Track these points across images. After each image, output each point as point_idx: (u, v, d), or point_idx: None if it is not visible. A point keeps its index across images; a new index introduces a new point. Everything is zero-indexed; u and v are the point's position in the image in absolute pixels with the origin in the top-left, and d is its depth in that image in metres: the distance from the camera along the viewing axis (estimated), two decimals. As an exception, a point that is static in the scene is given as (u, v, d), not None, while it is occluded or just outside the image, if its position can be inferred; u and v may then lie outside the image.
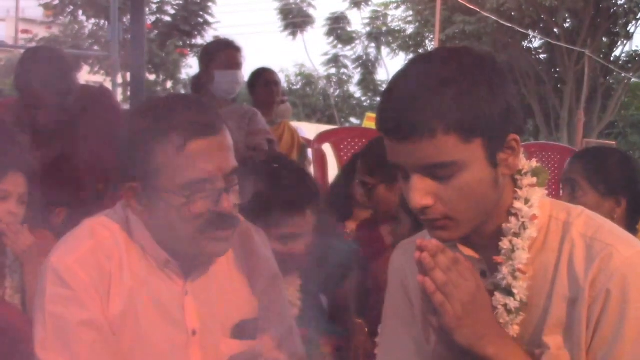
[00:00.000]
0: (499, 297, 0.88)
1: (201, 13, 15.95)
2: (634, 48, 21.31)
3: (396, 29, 20.32)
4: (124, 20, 8.23)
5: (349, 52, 21.79)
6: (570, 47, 15.74)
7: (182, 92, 12.34)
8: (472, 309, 0.82)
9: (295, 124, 4.20)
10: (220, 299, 1.10)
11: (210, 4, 15.97)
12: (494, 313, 0.87)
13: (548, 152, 3.55)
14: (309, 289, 1.52)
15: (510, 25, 15.37)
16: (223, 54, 2.49)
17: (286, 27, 20.58)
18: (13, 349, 1.24)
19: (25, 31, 17.99)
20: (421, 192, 0.83)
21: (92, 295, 1.00)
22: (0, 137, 1.60)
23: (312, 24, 20.73)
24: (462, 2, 15.82)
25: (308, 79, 21.98)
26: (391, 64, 21.88)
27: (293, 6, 20.47)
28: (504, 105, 0.83)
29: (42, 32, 16.31)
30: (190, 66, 16.26)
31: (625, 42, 16.96)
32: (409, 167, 0.84)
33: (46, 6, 15.03)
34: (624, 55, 17.25)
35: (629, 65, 16.98)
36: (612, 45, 17.05)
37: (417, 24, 19.07)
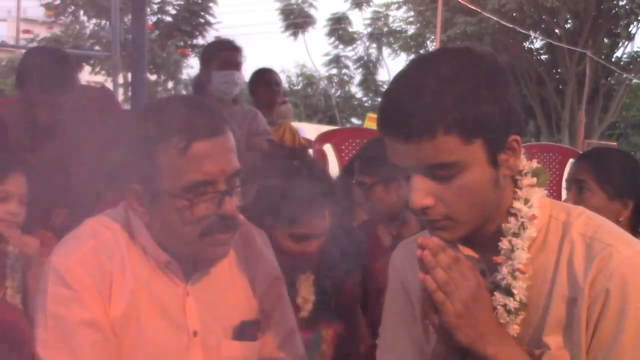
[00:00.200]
0: (498, 297, 0.88)
1: (202, 13, 15.94)
2: (635, 49, 21.33)
3: (397, 29, 20.36)
4: (125, 20, 8.24)
5: (350, 53, 21.85)
6: (572, 48, 15.73)
7: (184, 92, 12.36)
8: (473, 307, 0.82)
9: (296, 124, 4.20)
10: (222, 301, 1.10)
11: (211, 4, 15.97)
12: (494, 312, 0.88)
13: (549, 153, 3.55)
14: (320, 284, 1.50)
15: (511, 26, 15.35)
16: (220, 54, 2.49)
17: (287, 27, 20.58)
18: (14, 349, 1.25)
19: (26, 31, 18.00)
20: (422, 193, 0.84)
21: (93, 295, 1.00)
22: (1, 138, 1.60)
23: (313, 24, 20.73)
24: (463, 2, 15.81)
25: (309, 80, 21.97)
26: (392, 65, 21.92)
27: (294, 6, 20.47)
28: (505, 105, 0.83)
29: (43, 32, 16.31)
30: (192, 66, 16.27)
31: (626, 43, 16.99)
32: (410, 167, 0.84)
33: (47, 6, 15.03)
34: (625, 56, 17.30)
35: (630, 66, 16.96)
36: (614, 46, 17.05)
37: (418, 25, 19.08)
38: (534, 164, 0.91)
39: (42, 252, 1.44)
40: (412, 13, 19.20)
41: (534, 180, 0.90)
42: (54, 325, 0.98)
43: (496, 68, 0.85)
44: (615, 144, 13.53)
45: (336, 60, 21.95)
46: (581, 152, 2.14)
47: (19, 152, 1.59)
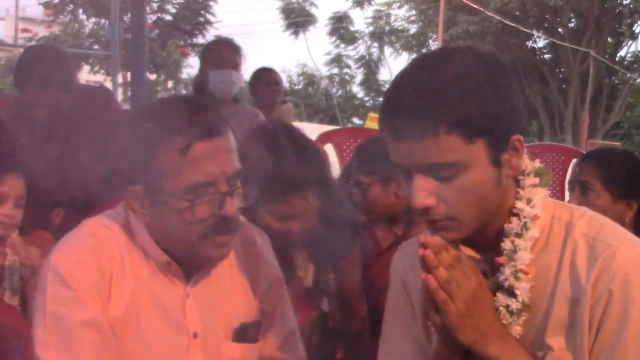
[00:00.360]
0: (501, 297, 0.87)
1: (202, 12, 15.88)
2: (639, 48, 21.23)
3: (399, 28, 20.31)
4: (125, 19, 8.13)
5: (351, 52, 21.78)
6: (575, 47, 15.66)
7: (184, 92, 12.31)
8: (475, 307, 0.81)
9: (297, 124, 4.16)
10: (222, 302, 1.09)
11: (211, 2, 15.91)
12: (496, 313, 0.86)
13: (552, 153, 3.53)
14: (319, 270, 1.48)
15: (514, 25, 15.29)
16: (218, 53, 2.48)
17: (288, 26, 20.51)
18: (12, 350, 1.23)
19: (25, 30, 17.93)
20: (424, 192, 0.83)
21: (93, 295, 0.99)
22: None
23: (314, 23, 20.66)
24: (465, 1, 15.72)
25: (310, 79, 21.90)
26: (394, 64, 21.82)
27: (295, 5, 20.40)
28: (508, 105, 0.82)
29: (42, 31, 16.24)
30: (192, 66, 16.21)
31: (630, 42, 16.96)
32: (412, 167, 0.83)
33: (46, 5, 14.96)
34: (629, 55, 17.22)
35: (634, 66, 16.88)
36: (617, 46, 16.97)
37: (420, 24, 19.03)
38: (537, 164, 0.90)
39: (41, 253, 1.43)
40: (414, 12, 19.16)
41: (537, 180, 0.89)
42: (53, 326, 0.97)
43: (499, 67, 0.84)
44: (619, 144, 13.45)
45: (337, 60, 21.88)
46: (584, 153, 2.10)
47: (16, 152, 1.56)
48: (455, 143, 0.80)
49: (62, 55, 1.97)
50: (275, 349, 1.15)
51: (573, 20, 16.52)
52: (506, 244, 0.87)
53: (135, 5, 3.21)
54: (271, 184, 1.30)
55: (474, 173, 0.82)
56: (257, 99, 2.94)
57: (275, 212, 1.36)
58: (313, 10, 20.40)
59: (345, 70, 21.98)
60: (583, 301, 0.84)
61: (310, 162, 1.41)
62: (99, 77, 13.35)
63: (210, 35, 15.22)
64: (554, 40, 16.19)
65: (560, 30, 16.24)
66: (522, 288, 0.86)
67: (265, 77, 2.94)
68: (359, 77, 21.87)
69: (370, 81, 21.58)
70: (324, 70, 21.85)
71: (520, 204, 0.88)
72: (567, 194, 2.04)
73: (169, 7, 15.77)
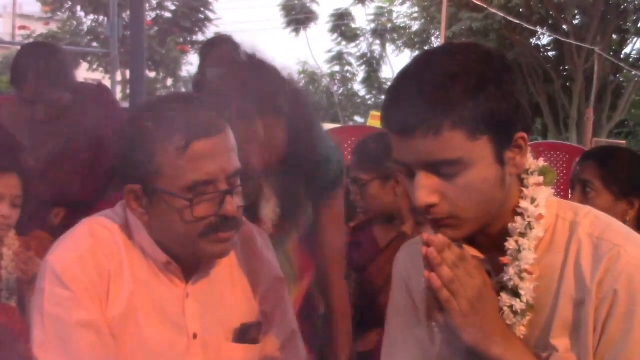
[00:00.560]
0: (505, 298, 0.86)
1: (202, 9, 15.77)
2: (644, 45, 21.08)
3: (401, 25, 20.10)
4: (124, 16, 8.09)
5: (353, 50, 21.62)
6: (580, 44, 15.48)
7: (183, 90, 12.16)
8: (479, 306, 0.80)
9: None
10: (222, 302, 1.08)
11: (211, 0, 15.74)
12: (500, 312, 0.85)
13: (557, 151, 3.54)
14: (285, 211, 1.40)
15: (518, 22, 15.15)
16: (215, 50, 2.35)
17: (289, 23, 20.36)
18: (10, 350, 1.23)
19: (22, 27, 17.79)
20: (427, 190, 0.81)
21: (91, 295, 0.98)
22: None
23: (315, 20, 20.49)
24: (468, -2, 15.53)
25: (311, 77, 21.75)
26: (396, 62, 21.68)
27: (296, 2, 20.25)
28: (513, 102, 0.81)
29: (39, 29, 16.13)
30: (191, 63, 16.11)
31: (635, 39, 16.76)
32: (415, 164, 0.82)
33: (44, 2, 14.85)
34: (634, 52, 17.05)
35: (640, 63, 16.82)
36: (623, 43, 16.78)
37: (422, 21, 18.83)
38: (541, 162, 0.89)
39: (38, 254, 1.42)
40: (416, 9, 18.97)
41: (541, 179, 0.88)
42: (51, 326, 0.96)
43: (504, 64, 0.83)
44: (624, 142, 13.30)
45: (339, 57, 21.71)
46: (584, 152, 2.08)
47: (13, 151, 1.55)
48: (459, 140, 0.79)
49: (59, 52, 1.95)
50: (276, 349, 1.14)
51: (578, 17, 16.36)
52: (510, 244, 0.86)
53: (135, 2, 3.17)
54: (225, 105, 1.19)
55: (478, 171, 0.81)
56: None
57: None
58: (314, 7, 20.30)
59: (347, 68, 21.83)
60: (588, 301, 0.82)
61: (263, 86, 1.28)
62: (98, 75, 13.26)
63: (210, 32, 15.13)
64: (558, 37, 16.02)
65: (564, 27, 16.08)
66: (527, 288, 0.85)
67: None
68: (361, 75, 21.77)
69: (372, 79, 21.41)
70: (325, 68, 21.75)
71: (524, 203, 0.86)
72: (572, 193, 2.00)
73: (169, 4, 15.68)
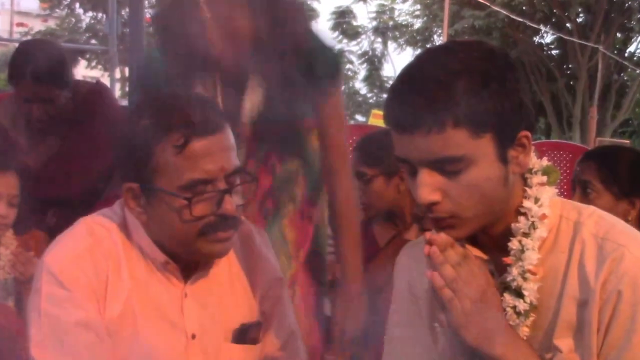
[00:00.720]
0: (508, 298, 0.85)
1: (202, 7, 15.60)
2: (648, 44, 20.96)
3: (403, 23, 20.05)
4: (123, 13, 8.05)
5: (354, 47, 21.53)
6: (583, 42, 15.39)
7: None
8: (481, 306, 0.80)
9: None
10: (221, 302, 1.06)
11: (211, -3, 15.62)
12: (503, 312, 0.84)
13: (560, 151, 3.49)
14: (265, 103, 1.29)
15: (521, 20, 15.05)
16: None
17: (290, 21, 20.21)
18: (7, 350, 1.22)
19: (20, 24, 17.73)
20: (429, 188, 0.81)
21: (88, 295, 0.97)
22: None
23: (316, 18, 20.34)
24: (471, -4, 15.44)
25: (312, 75, 21.61)
26: (398, 60, 21.64)
27: None
28: (516, 100, 0.81)
29: (37, 25, 16.04)
30: (191, 61, 15.93)
31: (640, 37, 16.75)
32: (417, 161, 0.81)
33: (42, -1, 14.73)
34: (638, 51, 17.11)
35: (644, 62, 16.72)
36: (627, 41, 16.66)
37: (424, 19, 18.77)
38: (544, 162, 0.89)
39: (37, 254, 1.41)
40: (418, 6, 18.91)
41: (544, 178, 0.87)
42: (48, 327, 0.96)
43: (507, 61, 0.83)
44: (628, 141, 13.20)
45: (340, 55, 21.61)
46: (585, 152, 2.05)
47: (10, 149, 1.56)
48: (462, 137, 0.79)
49: (57, 50, 1.93)
50: (275, 350, 1.13)
51: (581, 15, 16.29)
52: (513, 244, 0.85)
53: (134, -1, 3.17)
54: None
55: (481, 169, 0.80)
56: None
57: None
58: (315, 4, 20.20)
59: (348, 66, 21.70)
60: (592, 302, 0.82)
61: None
62: (96, 73, 13.23)
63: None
64: (561, 35, 15.94)
65: (568, 25, 15.99)
66: (530, 289, 0.84)
67: None
68: (362, 73, 21.71)
69: (373, 77, 21.34)
70: (326, 66, 21.57)
71: (527, 203, 0.85)
72: (574, 194, 1.99)
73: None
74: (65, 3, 14.53)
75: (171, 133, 0.94)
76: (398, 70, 0.86)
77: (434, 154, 0.80)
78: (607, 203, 1.56)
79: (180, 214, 0.95)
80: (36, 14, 18.84)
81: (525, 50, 15.91)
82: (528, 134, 0.83)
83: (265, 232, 1.20)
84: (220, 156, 0.96)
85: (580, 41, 15.42)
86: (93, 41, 14.24)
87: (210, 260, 1.05)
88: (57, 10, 14.88)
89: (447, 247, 0.80)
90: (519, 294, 0.85)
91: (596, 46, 15.34)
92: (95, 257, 0.99)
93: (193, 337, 1.03)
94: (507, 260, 0.86)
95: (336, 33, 21.40)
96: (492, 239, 0.87)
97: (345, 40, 21.28)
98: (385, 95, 0.86)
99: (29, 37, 12.70)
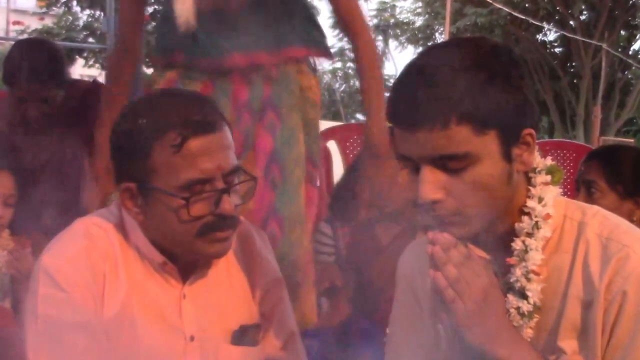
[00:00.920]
0: (511, 299, 0.85)
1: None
2: (653, 41, 20.86)
3: (404, 21, 19.99)
4: None
5: (355, 46, 21.42)
6: (587, 40, 15.28)
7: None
8: (485, 307, 0.79)
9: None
10: (220, 304, 1.06)
11: (211, -5, 15.59)
12: (507, 314, 0.84)
13: (564, 150, 3.45)
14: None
15: (524, 17, 14.96)
16: None
17: (291, 19, 20.19)
18: (4, 352, 1.22)
19: (16, 22, 17.59)
20: (432, 185, 0.80)
21: (85, 296, 0.97)
22: None
23: (317, 15, 20.32)
24: (473, -7, 15.39)
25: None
26: (399, 58, 21.59)
27: (298, -3, 20.07)
28: (521, 97, 0.81)
29: (34, 24, 15.92)
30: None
31: (644, 35, 16.66)
32: (420, 158, 0.81)
33: (39, -4, 14.69)
34: (643, 49, 16.94)
35: (649, 60, 16.65)
36: (631, 39, 16.49)
37: (426, 16, 18.71)
38: (548, 161, 0.88)
39: (34, 254, 1.41)
40: (419, 4, 18.84)
41: (548, 178, 0.87)
42: (45, 328, 0.95)
43: (512, 59, 0.82)
44: (632, 140, 13.16)
45: (340, 54, 21.51)
46: (589, 152, 2.03)
47: (6, 148, 1.56)
48: (465, 134, 0.78)
49: (53, 48, 1.93)
50: (275, 351, 1.13)
51: (585, 12, 16.14)
52: (517, 244, 0.85)
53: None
54: None
55: (485, 166, 0.80)
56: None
57: None
58: (315, 1, 20.11)
59: (349, 64, 21.67)
60: (596, 303, 0.82)
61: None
62: (94, 71, 13.18)
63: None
64: (565, 33, 15.83)
65: (571, 22, 15.88)
66: (534, 289, 0.84)
67: None
68: (364, 72, 21.61)
69: (375, 75, 21.31)
70: (327, 65, 21.62)
71: (531, 203, 0.85)
72: (578, 193, 2.00)
73: (167, -1, 15.48)
74: (62, 1, 14.44)
75: (168, 132, 0.93)
76: (399, 69, 0.81)
77: (437, 150, 0.79)
78: (612, 203, 1.56)
79: (178, 214, 0.95)
80: (33, 12, 18.72)
81: (528, 48, 15.82)
82: (532, 131, 0.82)
83: (264, 233, 1.19)
84: (218, 155, 0.95)
85: (583, 39, 15.32)
86: (90, 39, 14.16)
87: (209, 261, 1.05)
88: (54, 8, 14.78)
89: (450, 247, 0.79)
90: (522, 294, 0.84)
91: (600, 44, 15.23)
92: (92, 258, 0.98)
93: (192, 338, 1.02)
94: (511, 260, 0.85)
95: (337, 31, 21.37)
96: (495, 238, 0.86)
97: (345, 38, 21.17)
98: (386, 94, 0.84)
99: (25, 36, 12.64)
